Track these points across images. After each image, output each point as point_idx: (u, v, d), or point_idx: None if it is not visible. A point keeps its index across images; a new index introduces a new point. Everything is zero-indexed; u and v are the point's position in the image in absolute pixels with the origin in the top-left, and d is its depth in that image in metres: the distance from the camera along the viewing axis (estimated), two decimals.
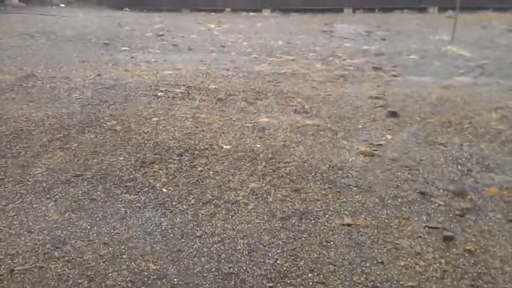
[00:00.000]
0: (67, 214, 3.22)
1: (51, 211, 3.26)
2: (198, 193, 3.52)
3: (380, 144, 4.41)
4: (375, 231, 3.04)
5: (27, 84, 6.10)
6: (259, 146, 4.33)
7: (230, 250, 2.85)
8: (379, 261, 2.75)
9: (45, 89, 5.93)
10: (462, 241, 2.92)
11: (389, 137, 4.60)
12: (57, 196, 3.45)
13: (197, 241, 2.95)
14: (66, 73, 6.75)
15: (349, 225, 3.10)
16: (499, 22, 11.45)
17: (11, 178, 3.71)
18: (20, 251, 2.81)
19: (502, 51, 8.52)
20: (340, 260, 2.76)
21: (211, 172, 3.84)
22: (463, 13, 11.46)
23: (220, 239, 2.96)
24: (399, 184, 3.64)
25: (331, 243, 2.92)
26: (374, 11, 14.89)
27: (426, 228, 3.05)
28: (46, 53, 8.21)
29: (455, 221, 3.14)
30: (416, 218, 3.17)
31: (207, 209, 3.31)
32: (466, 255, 2.79)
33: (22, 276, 2.62)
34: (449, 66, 7.60)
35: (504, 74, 6.92)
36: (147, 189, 3.58)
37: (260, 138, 4.52)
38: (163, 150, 4.21)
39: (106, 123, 4.79)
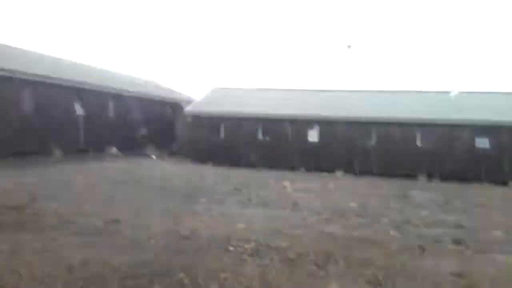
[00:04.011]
0: None
1: None
2: None
3: None
4: None
5: (111, 229, 6.53)
6: None
7: None
8: None
9: (126, 235, 6.29)
10: None
11: None
12: None
13: None
14: (147, 221, 7.18)
15: None
16: None
17: None
18: None
19: None
20: None
21: None
22: None
23: None
24: None
25: None
26: (450, 181, 14.73)
27: None
28: (132, 199, 8.91)
29: None
30: None
31: None
32: None
33: None
34: None
35: None
36: None
37: None
38: None
39: (175, 275, 4.85)
